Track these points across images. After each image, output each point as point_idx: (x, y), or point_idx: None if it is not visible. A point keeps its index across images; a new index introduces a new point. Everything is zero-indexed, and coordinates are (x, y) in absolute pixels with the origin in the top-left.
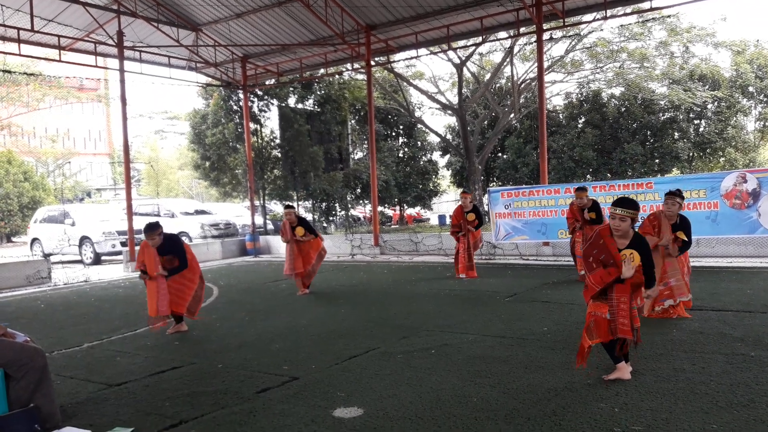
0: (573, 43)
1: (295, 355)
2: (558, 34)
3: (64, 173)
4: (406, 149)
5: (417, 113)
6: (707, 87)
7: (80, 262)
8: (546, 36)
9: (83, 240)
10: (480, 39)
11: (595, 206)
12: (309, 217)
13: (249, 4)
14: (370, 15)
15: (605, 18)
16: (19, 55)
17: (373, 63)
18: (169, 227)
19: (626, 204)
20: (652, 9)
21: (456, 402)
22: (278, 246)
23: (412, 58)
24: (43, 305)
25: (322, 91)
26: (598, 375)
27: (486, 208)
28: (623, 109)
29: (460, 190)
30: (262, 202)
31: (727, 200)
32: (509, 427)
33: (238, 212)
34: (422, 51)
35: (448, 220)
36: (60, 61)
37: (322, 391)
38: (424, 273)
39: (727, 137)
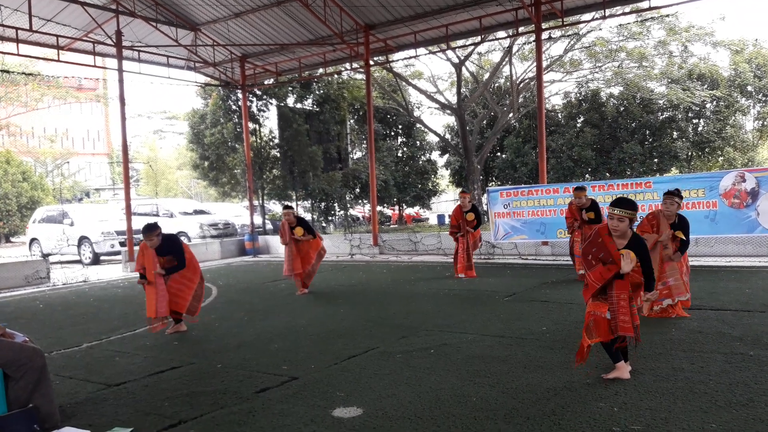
0: (572, 42)
1: (294, 354)
2: (557, 33)
3: (63, 173)
4: (405, 149)
5: (416, 113)
6: (706, 86)
7: (79, 262)
8: (545, 35)
9: (82, 240)
10: (479, 38)
11: (593, 206)
12: (308, 216)
13: (248, 3)
14: (368, 14)
15: (604, 17)
16: (18, 55)
17: (371, 63)
18: (167, 227)
19: (624, 204)
20: (650, 8)
21: (455, 401)
22: (277, 246)
23: (410, 57)
24: (41, 305)
25: (321, 91)
26: (597, 374)
27: (485, 207)
28: (622, 109)
29: (459, 190)
30: (260, 201)
31: (725, 199)
32: (508, 426)
33: (236, 212)
34: (421, 50)
35: (447, 220)
36: (58, 60)
37: (321, 390)
38: (423, 273)
39: (726, 136)
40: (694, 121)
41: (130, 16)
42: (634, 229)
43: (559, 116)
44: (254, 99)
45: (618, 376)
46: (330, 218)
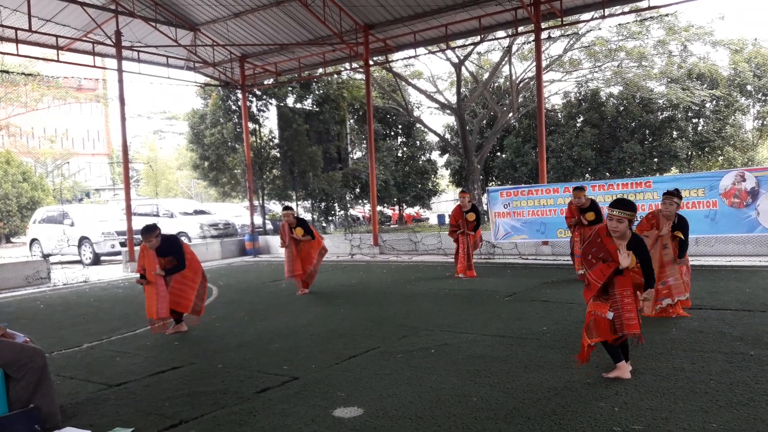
0: (571, 42)
1: (295, 354)
2: (556, 33)
3: (63, 173)
4: (404, 149)
5: (416, 113)
6: (705, 86)
7: (79, 262)
8: (544, 35)
9: (82, 240)
10: (478, 38)
11: (593, 206)
12: (308, 217)
13: (247, 3)
14: (368, 14)
15: (603, 17)
16: (17, 55)
17: (371, 62)
18: (168, 227)
19: (623, 205)
20: (650, 8)
21: (456, 401)
22: (278, 246)
23: (410, 57)
24: (42, 306)
25: (321, 91)
26: (597, 374)
27: (485, 207)
28: (622, 108)
29: (458, 190)
30: (261, 202)
31: (725, 199)
32: (509, 426)
33: (237, 212)
34: (421, 50)
35: (447, 220)
36: (58, 61)
37: (322, 390)
38: (423, 272)
39: (726, 136)
40: (694, 120)
41: (129, 17)
42: (634, 230)
43: (559, 116)
44: (254, 99)
45: (619, 376)
46: (330, 218)
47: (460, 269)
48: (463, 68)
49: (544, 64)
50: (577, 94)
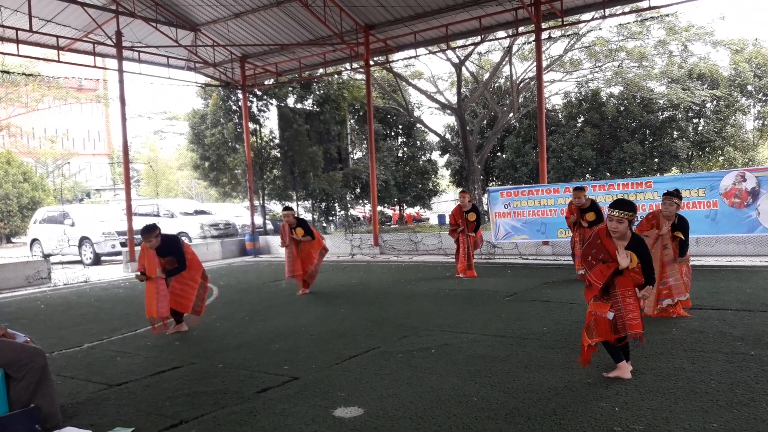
0: (571, 42)
1: (295, 354)
2: (556, 33)
3: (64, 174)
4: (405, 149)
5: (416, 113)
6: (706, 86)
7: (80, 262)
8: (545, 35)
9: (83, 240)
10: (479, 38)
11: (593, 206)
12: (308, 217)
13: (247, 4)
14: (368, 15)
15: (604, 17)
16: (18, 55)
17: (372, 63)
18: (168, 227)
19: (623, 206)
20: (650, 8)
21: (456, 401)
22: (278, 246)
23: (410, 57)
24: (43, 306)
25: (321, 91)
26: (598, 374)
27: (485, 207)
28: (622, 108)
29: (459, 190)
30: (261, 202)
31: (726, 199)
32: (509, 426)
33: (237, 212)
34: (421, 50)
35: (447, 220)
36: (59, 61)
37: (322, 390)
38: (423, 272)
39: (726, 136)
40: (695, 120)
41: (130, 17)
42: (634, 230)
43: (560, 116)
44: (254, 99)
45: (619, 376)
46: (331, 218)
47: (460, 269)
48: (463, 68)
49: (544, 64)
50: (578, 94)
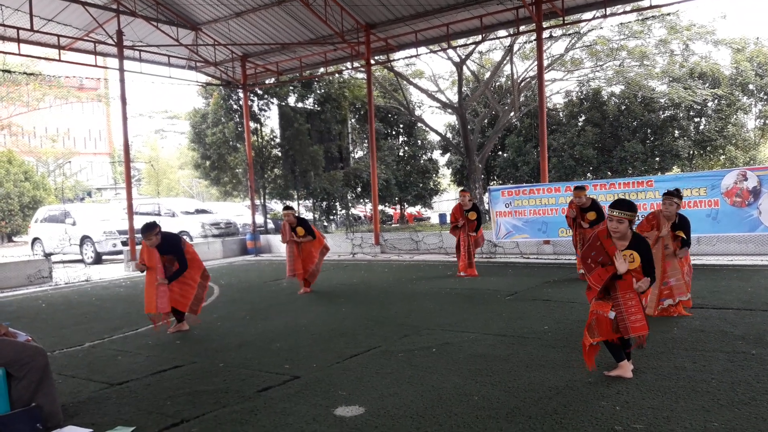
0: (573, 41)
1: (296, 353)
2: (558, 32)
3: (65, 173)
4: (406, 148)
5: (417, 112)
6: (707, 85)
7: (81, 261)
8: (546, 34)
9: (84, 239)
10: (480, 37)
11: (594, 206)
12: (309, 216)
13: (248, 3)
14: (369, 14)
15: (605, 16)
16: (19, 54)
17: (372, 62)
18: (169, 226)
19: (623, 206)
20: (651, 7)
21: (457, 400)
22: (279, 245)
23: (411, 56)
24: (44, 305)
25: (322, 90)
26: (599, 373)
27: (486, 206)
28: (623, 108)
29: (459, 189)
30: (262, 201)
31: (727, 198)
32: (510, 425)
33: (238, 211)
34: (422, 49)
35: (448, 219)
36: (60, 60)
37: (323, 389)
38: (424, 272)
39: (728, 135)
40: (696, 119)
41: (131, 16)
42: (634, 230)
43: (561, 115)
44: (255, 98)
45: (620, 375)
46: (332, 217)
47: (461, 267)
48: (464, 67)
49: (545, 63)
50: (579, 94)
